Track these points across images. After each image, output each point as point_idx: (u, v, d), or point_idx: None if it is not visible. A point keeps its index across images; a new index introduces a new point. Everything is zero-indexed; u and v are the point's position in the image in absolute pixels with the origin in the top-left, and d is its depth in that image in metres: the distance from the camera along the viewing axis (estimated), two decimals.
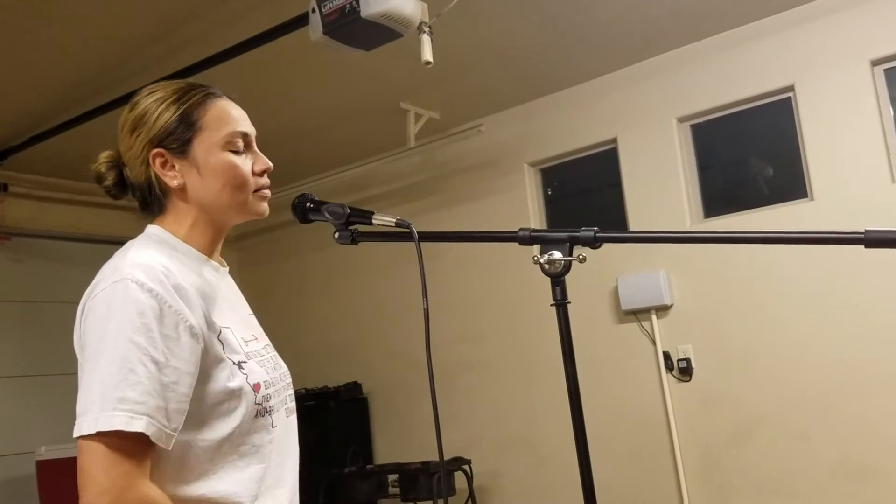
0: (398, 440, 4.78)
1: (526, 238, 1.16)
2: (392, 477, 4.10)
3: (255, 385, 1.13)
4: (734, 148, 3.91)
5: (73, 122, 3.69)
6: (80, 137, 3.88)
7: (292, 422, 1.25)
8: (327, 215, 1.24)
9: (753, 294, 3.61)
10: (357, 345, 5.06)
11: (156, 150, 1.14)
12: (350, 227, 1.24)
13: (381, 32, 2.55)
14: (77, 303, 1.12)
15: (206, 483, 1.08)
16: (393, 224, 1.21)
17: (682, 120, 3.93)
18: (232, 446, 1.10)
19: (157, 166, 1.15)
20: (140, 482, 0.99)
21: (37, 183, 4.54)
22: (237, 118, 1.19)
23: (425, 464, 3.98)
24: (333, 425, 4.67)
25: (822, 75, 3.49)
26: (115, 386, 0.99)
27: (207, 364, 1.08)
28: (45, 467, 3.93)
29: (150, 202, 1.19)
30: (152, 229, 1.19)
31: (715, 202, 3.90)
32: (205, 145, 1.15)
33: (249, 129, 1.21)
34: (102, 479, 0.97)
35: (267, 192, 1.22)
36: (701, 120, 3.91)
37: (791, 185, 3.65)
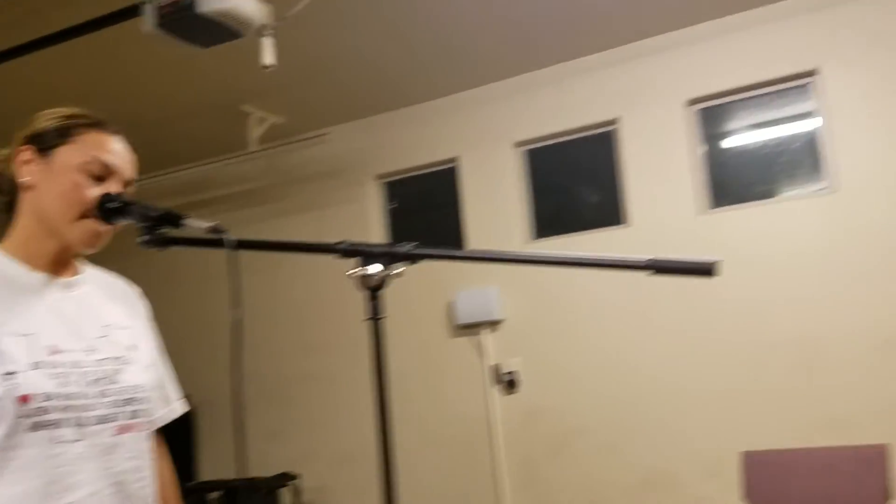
0: (226, 455, 4.57)
1: (345, 250, 1.15)
2: (213, 495, 3.92)
3: (21, 397, 1.09)
4: (564, 173, 4.13)
5: None
6: None
7: (124, 440, 1.22)
8: (133, 217, 1.17)
9: (576, 311, 3.83)
10: (184, 355, 4.79)
11: (25, 146, 1.22)
12: (159, 231, 1.17)
13: (220, 30, 2.46)
14: None
15: None
16: (205, 229, 1.15)
17: (517, 145, 4.10)
18: (1, 459, 1.08)
19: (20, 159, 1.22)
20: None
21: None
22: (109, 150, 1.24)
23: (250, 481, 3.84)
24: None
25: (643, 111, 3.78)
26: None
27: None
28: None
29: (11, 205, 1.24)
30: None
31: (546, 224, 4.10)
32: (66, 156, 1.21)
33: (117, 163, 1.24)
34: None
35: (96, 225, 1.21)
36: (535, 146, 4.10)
37: (612, 211, 3.91)
